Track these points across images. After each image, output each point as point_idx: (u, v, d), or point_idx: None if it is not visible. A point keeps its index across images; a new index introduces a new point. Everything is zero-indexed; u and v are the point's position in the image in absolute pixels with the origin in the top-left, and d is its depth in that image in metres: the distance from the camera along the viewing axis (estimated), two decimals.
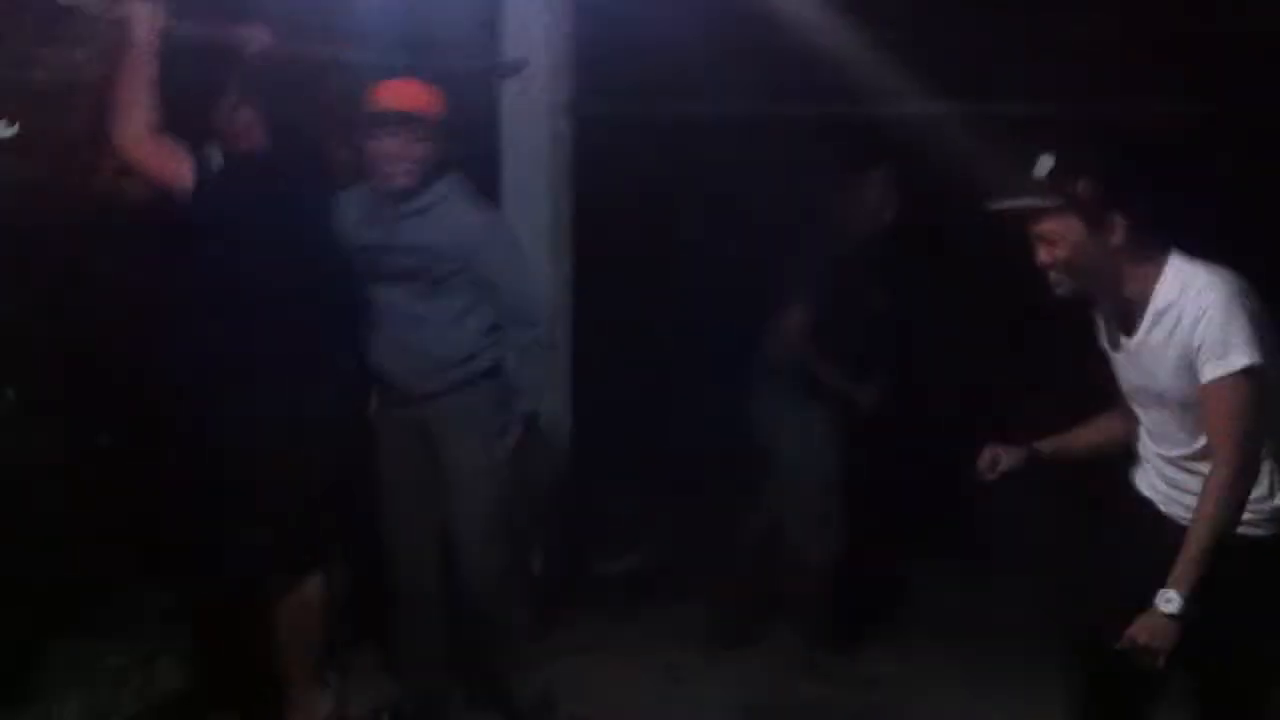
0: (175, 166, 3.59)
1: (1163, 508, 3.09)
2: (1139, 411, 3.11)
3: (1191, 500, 2.95)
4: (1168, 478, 3.08)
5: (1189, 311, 2.88)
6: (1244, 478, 2.89)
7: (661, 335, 6.17)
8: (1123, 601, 2.92)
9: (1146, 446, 3.13)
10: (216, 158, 3.70)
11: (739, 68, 5.13)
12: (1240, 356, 2.84)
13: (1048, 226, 2.94)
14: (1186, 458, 3.02)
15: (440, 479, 4.05)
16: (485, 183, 4.89)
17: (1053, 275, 2.98)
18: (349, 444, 3.95)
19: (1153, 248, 2.95)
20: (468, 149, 4.28)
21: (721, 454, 5.14)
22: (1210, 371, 2.86)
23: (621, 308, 5.77)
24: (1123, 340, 3.04)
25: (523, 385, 4.02)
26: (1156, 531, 3.04)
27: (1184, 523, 2.95)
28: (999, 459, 3.24)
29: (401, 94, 3.93)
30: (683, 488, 5.89)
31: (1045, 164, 2.92)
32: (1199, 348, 2.87)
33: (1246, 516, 2.93)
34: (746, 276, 5.08)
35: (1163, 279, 2.93)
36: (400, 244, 3.94)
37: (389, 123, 3.87)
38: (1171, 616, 2.82)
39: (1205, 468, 2.93)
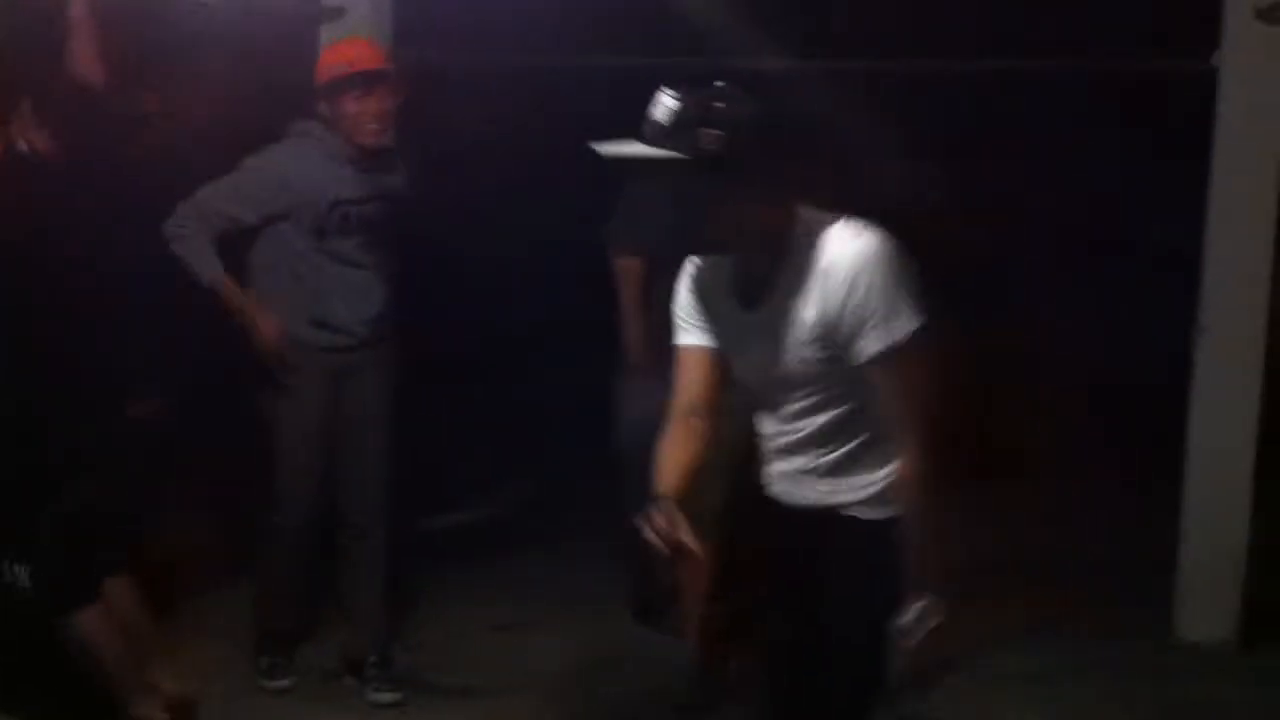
0: None
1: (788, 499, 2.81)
2: (752, 389, 2.76)
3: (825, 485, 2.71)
4: (793, 464, 2.76)
5: (838, 274, 2.53)
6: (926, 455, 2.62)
7: (498, 288, 6.15)
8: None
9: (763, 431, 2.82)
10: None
11: (566, 16, 5.09)
12: (909, 321, 2.54)
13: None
14: (811, 436, 2.71)
15: (339, 423, 4.23)
16: None
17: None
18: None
19: (789, 203, 2.62)
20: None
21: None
22: (878, 341, 2.54)
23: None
24: (747, 305, 2.67)
25: None
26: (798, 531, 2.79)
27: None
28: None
29: (364, 54, 4.15)
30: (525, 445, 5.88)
31: (666, 107, 2.54)
32: (861, 315, 2.53)
33: (860, 496, 2.69)
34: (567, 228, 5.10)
35: (800, 237, 2.59)
36: (370, 195, 4.15)
37: (362, 83, 4.05)
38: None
39: (835, 445, 2.68)
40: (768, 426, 2.79)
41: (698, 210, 2.60)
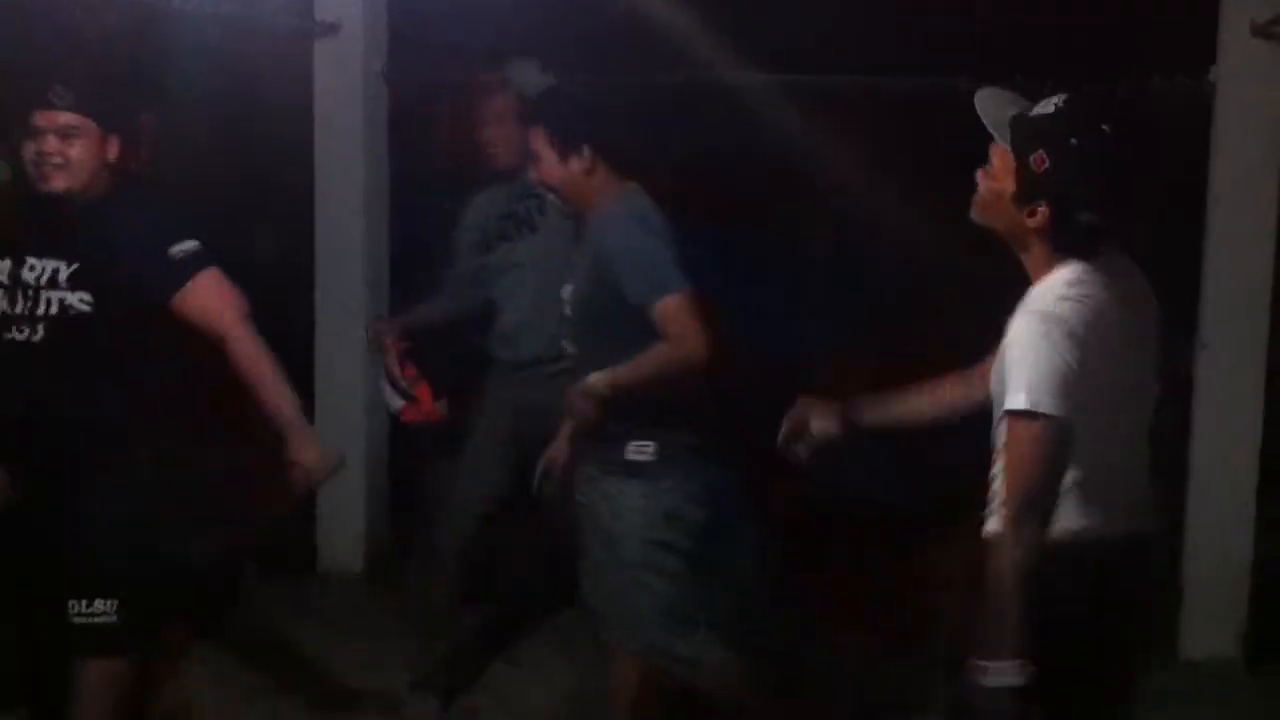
0: None
1: None
2: None
3: None
4: None
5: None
6: None
7: None
8: None
9: None
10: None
11: (559, 34, 5.08)
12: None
13: None
14: None
15: (515, 450, 4.13)
16: (299, 145, 4.77)
17: None
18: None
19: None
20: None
21: None
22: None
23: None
24: None
25: None
26: None
27: None
28: (803, 426, 3.11)
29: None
30: None
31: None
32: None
33: None
34: None
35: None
36: (526, 220, 4.25)
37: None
38: None
39: None
40: None
41: None
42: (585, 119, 3.46)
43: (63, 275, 3.31)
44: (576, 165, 3.39)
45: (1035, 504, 2.44)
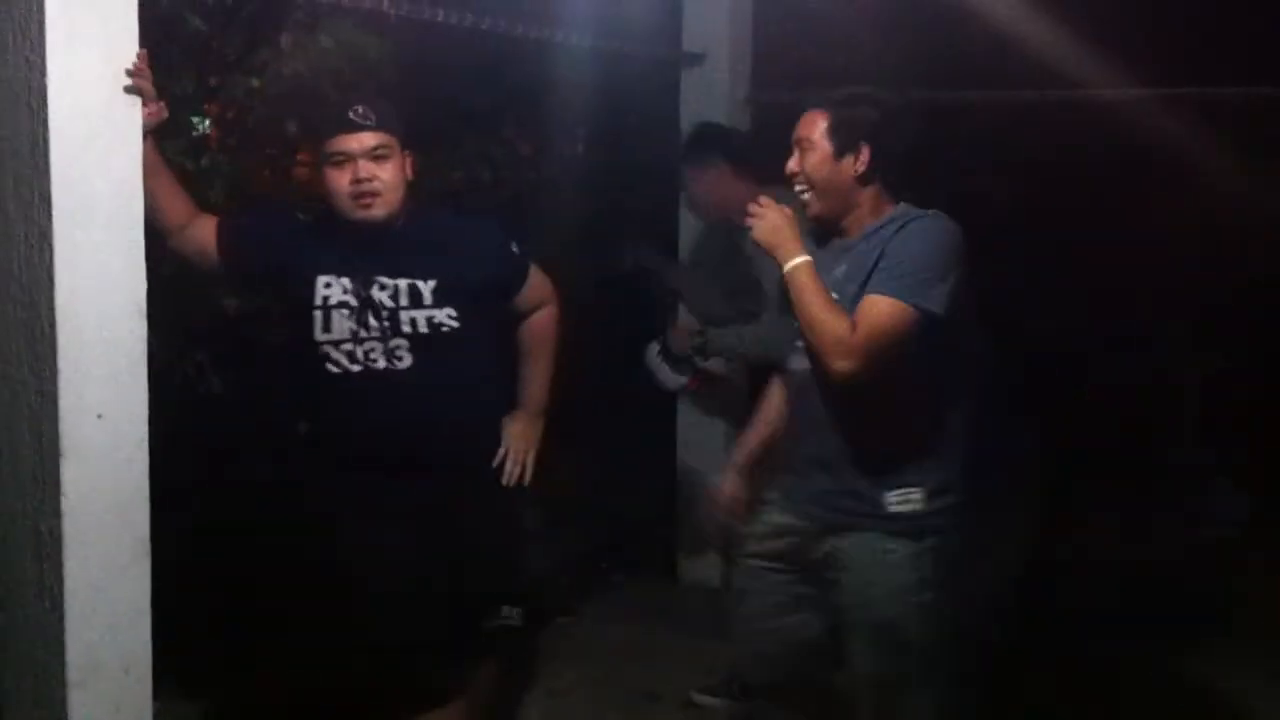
0: None
1: None
2: None
3: None
4: None
5: None
6: None
7: None
8: None
9: None
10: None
11: (921, 54, 5.11)
12: None
13: None
14: None
15: None
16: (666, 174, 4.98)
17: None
18: None
19: None
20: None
21: None
22: None
23: None
24: None
25: None
26: None
27: None
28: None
29: None
30: None
31: None
32: None
33: None
34: None
35: None
36: None
37: None
38: None
39: None
40: None
41: None
42: (881, 120, 3.02)
43: (426, 293, 3.16)
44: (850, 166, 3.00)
45: None
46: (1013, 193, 5.90)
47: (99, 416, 2.70)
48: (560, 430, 3.49)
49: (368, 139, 3.07)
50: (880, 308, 2.85)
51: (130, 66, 2.71)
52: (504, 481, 3.34)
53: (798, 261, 2.94)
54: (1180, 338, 6.15)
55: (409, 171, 3.16)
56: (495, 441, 3.33)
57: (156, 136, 2.88)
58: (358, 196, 3.07)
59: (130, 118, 2.75)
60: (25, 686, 2.78)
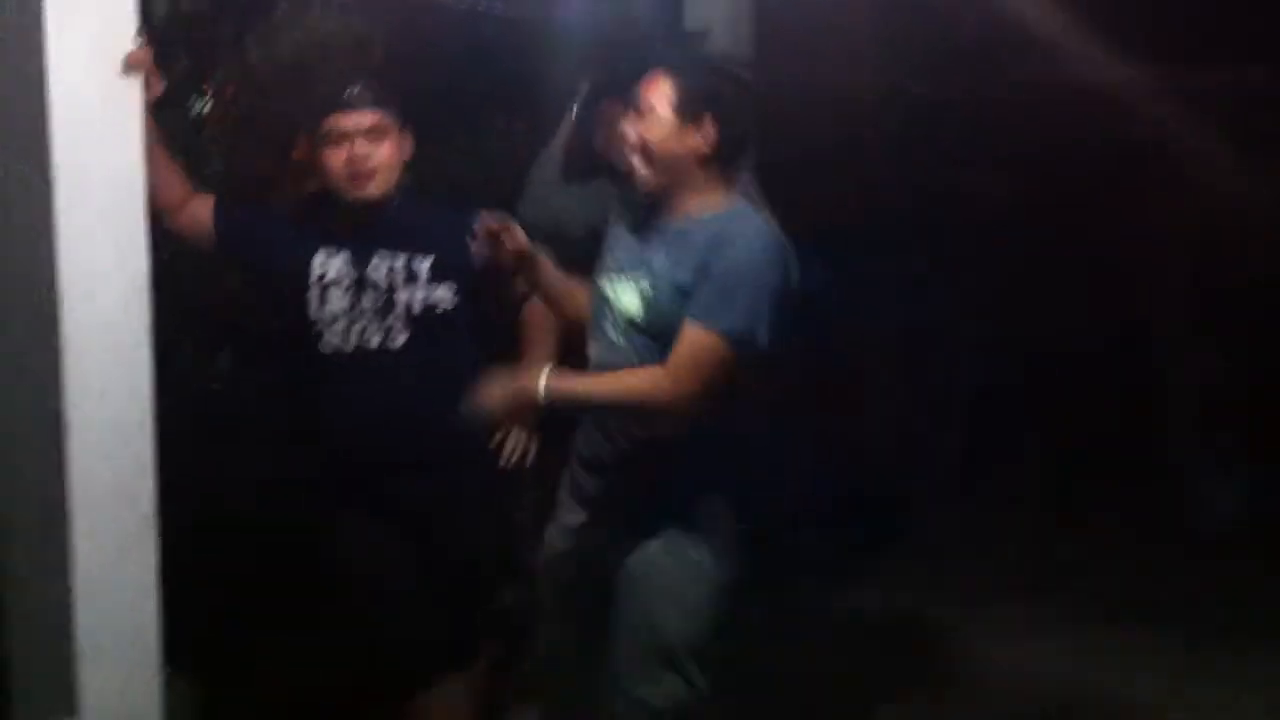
0: None
1: None
2: None
3: None
4: None
5: None
6: None
7: None
8: None
9: None
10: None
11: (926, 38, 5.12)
12: None
13: None
14: None
15: None
16: None
17: None
18: None
19: None
20: None
21: None
22: None
23: None
24: None
25: None
26: None
27: None
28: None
29: None
30: None
31: None
32: None
33: None
34: None
35: None
36: None
37: None
38: None
39: None
40: None
41: None
42: (731, 95, 2.85)
43: (422, 271, 3.14)
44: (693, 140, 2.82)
45: None
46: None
47: (102, 394, 2.72)
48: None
49: (364, 118, 3.08)
50: (702, 341, 2.74)
51: (129, 45, 2.72)
52: (502, 464, 3.34)
53: (545, 382, 2.82)
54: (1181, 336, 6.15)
55: (406, 151, 3.18)
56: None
57: (153, 115, 2.89)
58: (353, 175, 3.08)
59: (130, 95, 2.76)
60: (33, 662, 2.81)
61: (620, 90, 3.54)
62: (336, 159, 3.09)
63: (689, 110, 2.80)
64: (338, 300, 3.13)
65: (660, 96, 2.82)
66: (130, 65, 2.73)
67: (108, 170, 2.72)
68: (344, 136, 3.07)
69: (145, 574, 2.82)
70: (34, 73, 2.61)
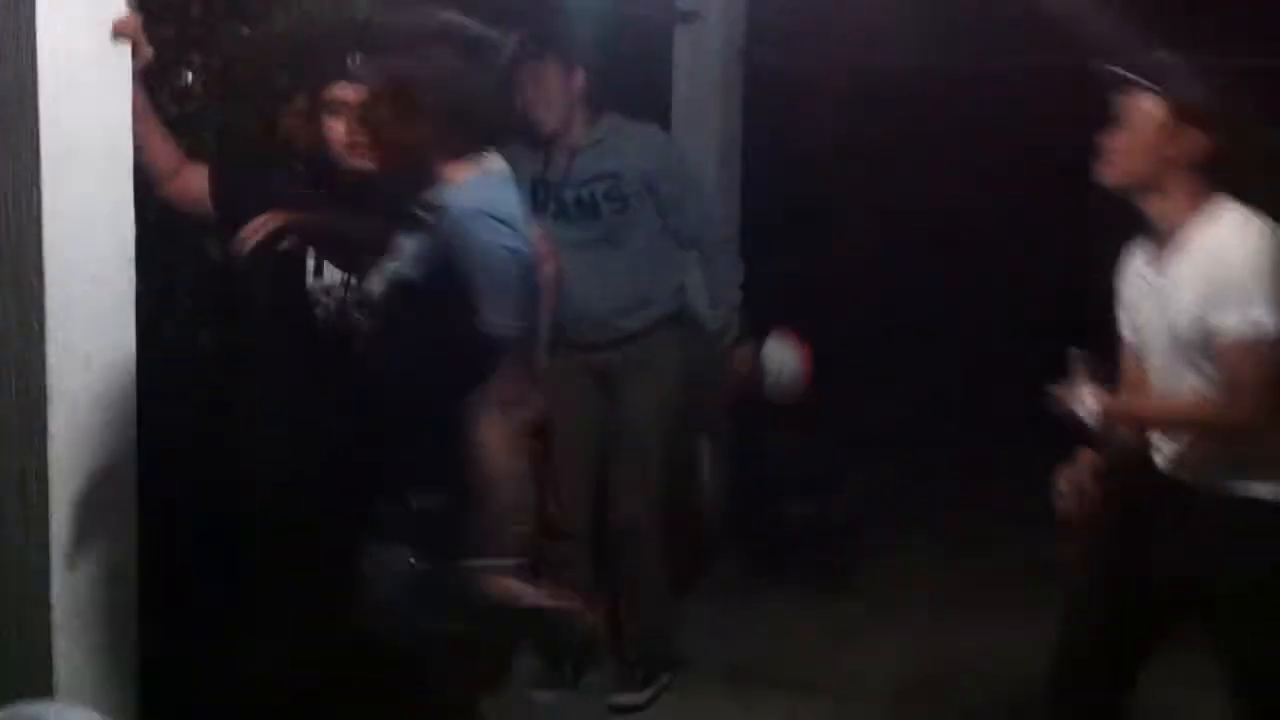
0: None
1: None
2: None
3: None
4: None
5: None
6: None
7: None
8: None
9: None
10: None
11: (918, 18, 5.08)
12: None
13: None
14: None
15: (611, 422, 4.13)
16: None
17: None
18: None
19: None
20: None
21: None
22: None
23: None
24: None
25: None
26: None
27: None
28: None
29: None
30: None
31: None
32: None
33: None
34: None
35: None
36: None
37: None
38: None
39: None
40: None
41: None
42: None
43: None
44: None
45: None
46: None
47: (86, 361, 2.69)
48: None
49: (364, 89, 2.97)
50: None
51: (120, 12, 2.69)
52: None
53: None
54: None
55: None
56: None
57: (143, 82, 2.86)
58: (352, 145, 3.03)
59: (118, 62, 2.73)
60: (9, 631, 2.78)
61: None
62: (336, 129, 3.06)
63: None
64: (334, 269, 3.11)
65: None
66: (119, 32, 2.70)
67: (95, 135, 2.69)
68: (345, 106, 3.04)
69: (125, 545, 2.80)
70: (24, 37, 2.57)
